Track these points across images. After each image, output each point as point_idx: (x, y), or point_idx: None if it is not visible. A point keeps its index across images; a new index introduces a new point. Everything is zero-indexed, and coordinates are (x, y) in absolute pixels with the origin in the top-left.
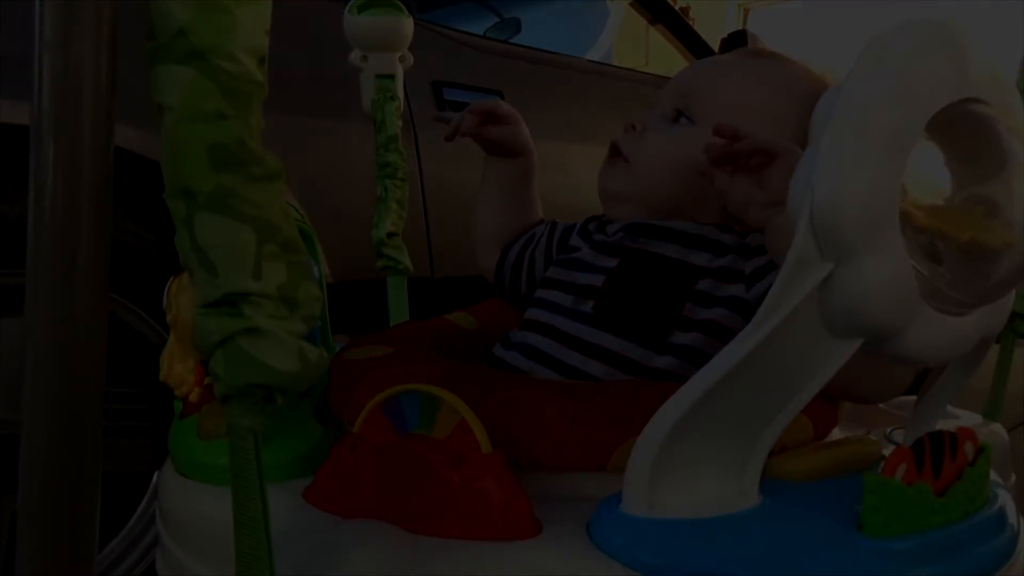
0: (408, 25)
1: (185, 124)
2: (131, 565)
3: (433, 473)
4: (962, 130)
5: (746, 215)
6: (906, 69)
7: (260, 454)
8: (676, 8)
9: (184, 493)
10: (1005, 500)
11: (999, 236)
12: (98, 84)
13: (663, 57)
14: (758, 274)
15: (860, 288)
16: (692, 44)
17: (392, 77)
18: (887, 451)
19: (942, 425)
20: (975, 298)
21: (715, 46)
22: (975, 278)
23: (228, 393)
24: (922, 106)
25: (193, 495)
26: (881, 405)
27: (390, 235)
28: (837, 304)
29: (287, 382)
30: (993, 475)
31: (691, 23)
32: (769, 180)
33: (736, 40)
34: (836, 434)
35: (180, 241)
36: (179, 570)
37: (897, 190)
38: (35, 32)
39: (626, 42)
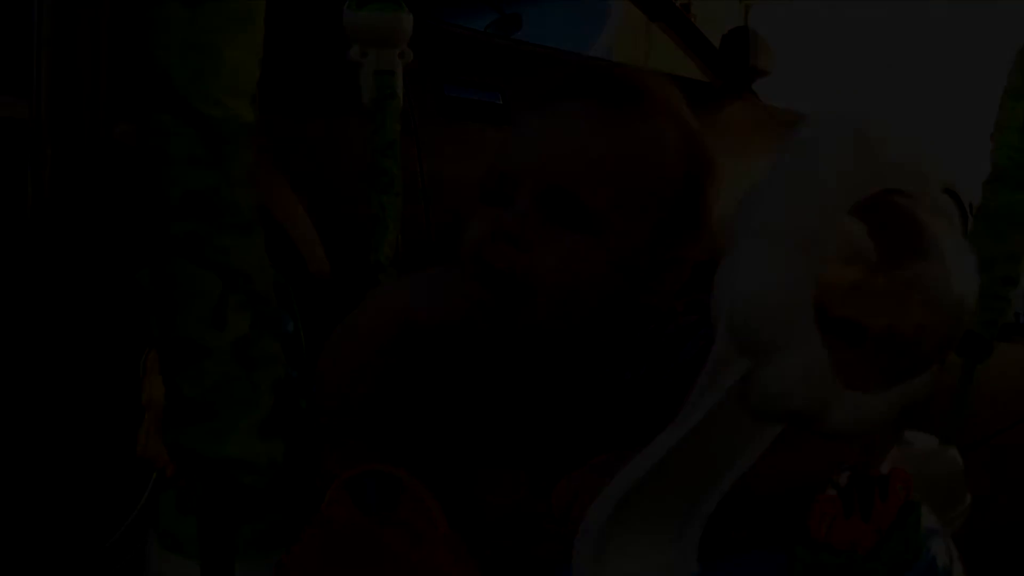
0: (408, 21)
1: (163, 168)
2: None
3: (393, 553)
4: (882, 215)
5: None
6: (816, 170)
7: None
8: (677, 4)
9: (172, 569)
10: (938, 551)
11: (917, 318)
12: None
13: (664, 54)
14: None
15: (778, 384)
16: (693, 41)
17: (392, 73)
18: None
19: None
20: (894, 376)
21: (716, 43)
22: (894, 358)
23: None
24: (833, 205)
25: (179, 570)
26: None
27: (388, 259)
28: (757, 398)
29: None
30: (932, 521)
31: (692, 19)
32: None
33: (737, 37)
34: None
35: (146, 277)
36: None
37: (810, 286)
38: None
39: (627, 39)
